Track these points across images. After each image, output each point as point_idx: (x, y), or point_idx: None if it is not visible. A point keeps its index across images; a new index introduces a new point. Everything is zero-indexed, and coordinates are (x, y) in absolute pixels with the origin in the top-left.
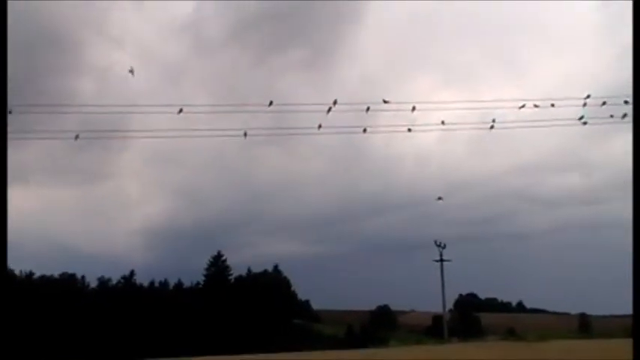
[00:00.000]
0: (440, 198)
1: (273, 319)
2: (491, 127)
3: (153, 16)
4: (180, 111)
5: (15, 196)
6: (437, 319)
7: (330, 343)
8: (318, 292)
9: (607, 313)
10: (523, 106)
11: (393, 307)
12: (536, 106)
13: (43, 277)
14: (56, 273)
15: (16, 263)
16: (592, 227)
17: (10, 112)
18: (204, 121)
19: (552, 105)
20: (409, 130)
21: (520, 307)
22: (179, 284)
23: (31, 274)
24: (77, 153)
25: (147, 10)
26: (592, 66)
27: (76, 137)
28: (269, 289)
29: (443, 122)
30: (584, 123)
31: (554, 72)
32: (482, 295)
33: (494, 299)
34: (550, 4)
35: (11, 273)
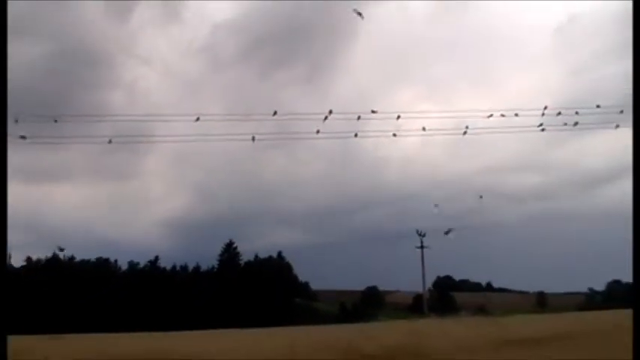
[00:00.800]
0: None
1: (277, 298)
2: (465, 133)
3: (175, 38)
4: (198, 119)
5: (60, 192)
6: (418, 297)
7: (326, 319)
8: (316, 275)
9: (560, 290)
10: (491, 116)
11: (381, 287)
12: (502, 115)
13: (82, 261)
14: (93, 257)
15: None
16: (548, 219)
17: (55, 121)
18: (217, 128)
19: (516, 115)
20: (394, 135)
21: (488, 287)
22: (197, 268)
23: (72, 258)
24: (110, 155)
25: (170, 33)
26: (549, 82)
27: (109, 141)
28: (274, 273)
29: (424, 128)
30: (543, 130)
31: (518, 87)
32: (457, 277)
33: (467, 280)
34: (515, 30)
35: (56, 257)
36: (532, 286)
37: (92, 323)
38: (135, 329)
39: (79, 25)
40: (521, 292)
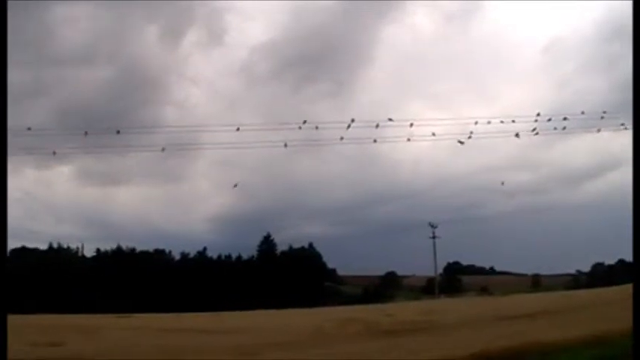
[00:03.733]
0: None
1: (308, 282)
2: (469, 137)
3: (218, 60)
4: (238, 129)
5: (123, 194)
6: (430, 280)
7: (351, 300)
8: (342, 262)
9: (552, 272)
10: (489, 123)
11: (399, 272)
12: (501, 122)
13: (141, 252)
14: (151, 248)
15: (123, 241)
16: (539, 210)
17: (118, 133)
18: (255, 136)
19: (513, 121)
20: (408, 140)
21: (491, 270)
22: (239, 257)
23: (133, 249)
24: (164, 161)
25: (214, 56)
26: (541, 92)
27: (163, 149)
28: (306, 261)
29: (433, 134)
30: (536, 134)
31: (514, 96)
32: (464, 262)
33: (473, 265)
34: (507, 49)
35: (119, 250)
36: (529, 269)
37: (151, 305)
38: (187, 310)
39: (137, 50)
40: (519, 275)
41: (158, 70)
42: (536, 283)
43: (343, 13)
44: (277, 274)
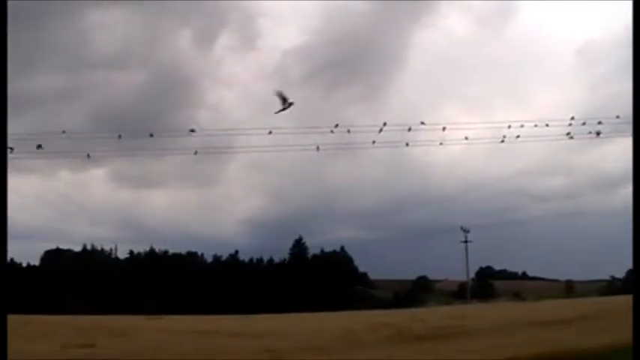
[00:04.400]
0: None
1: (340, 286)
2: (502, 141)
3: (251, 64)
4: (270, 132)
5: (156, 197)
6: (462, 285)
7: (382, 304)
8: (373, 266)
9: (586, 278)
10: (523, 126)
11: (430, 276)
12: (535, 126)
13: (174, 254)
14: (184, 251)
15: (156, 244)
16: (573, 215)
17: (151, 136)
18: (287, 140)
19: (547, 125)
20: (441, 144)
21: (524, 276)
22: (271, 260)
23: (166, 251)
24: (197, 164)
25: (246, 59)
26: (574, 94)
27: (195, 153)
28: (337, 265)
29: (466, 138)
30: (571, 138)
31: (548, 100)
32: (496, 267)
33: (505, 270)
34: (539, 52)
35: (152, 252)
36: (562, 274)
37: (183, 307)
38: (218, 312)
39: (171, 54)
40: (552, 280)
41: (191, 74)
42: (569, 288)
43: (376, 17)
44: (309, 277)
